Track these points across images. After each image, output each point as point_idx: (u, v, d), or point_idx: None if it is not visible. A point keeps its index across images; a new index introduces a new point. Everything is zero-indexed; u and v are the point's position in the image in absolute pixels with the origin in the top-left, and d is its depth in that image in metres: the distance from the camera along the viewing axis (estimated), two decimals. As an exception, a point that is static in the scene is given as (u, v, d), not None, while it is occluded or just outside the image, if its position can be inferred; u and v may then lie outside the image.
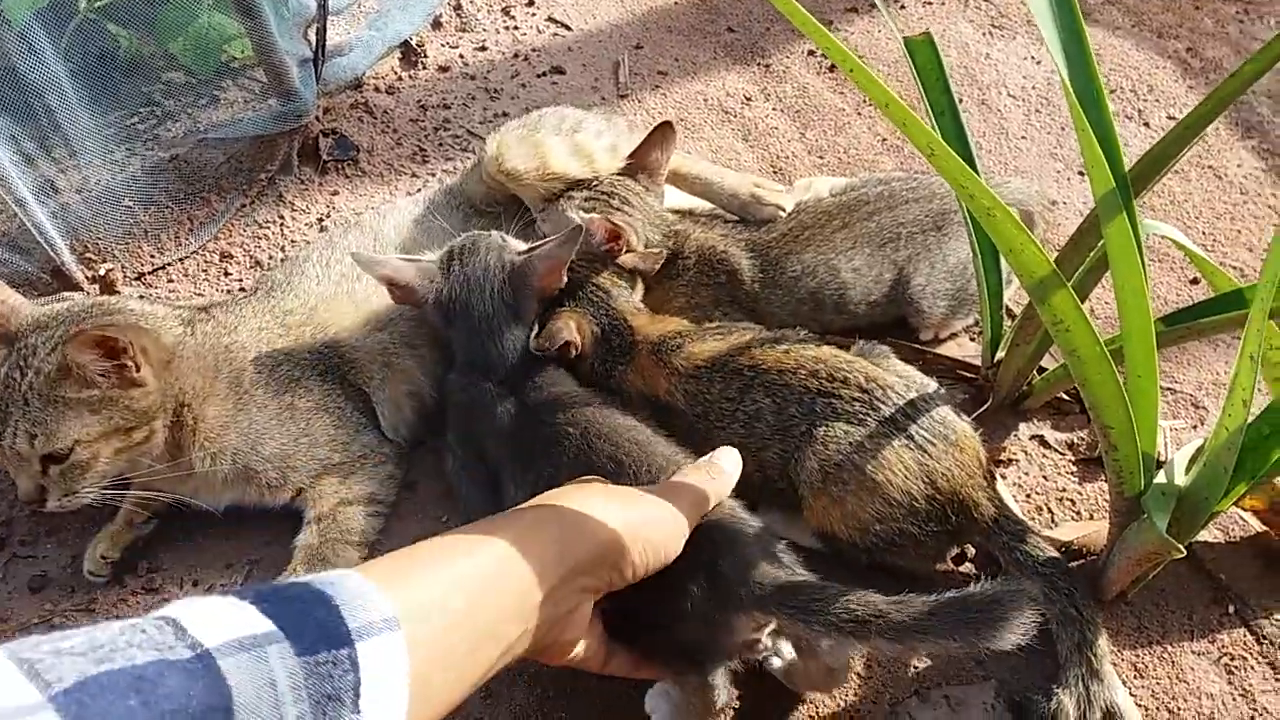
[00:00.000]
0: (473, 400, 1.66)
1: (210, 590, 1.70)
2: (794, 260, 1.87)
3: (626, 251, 1.82)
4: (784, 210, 1.93)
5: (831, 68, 2.65)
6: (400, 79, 2.56)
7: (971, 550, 1.64)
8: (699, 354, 1.69)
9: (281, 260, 2.03)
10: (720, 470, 1.40)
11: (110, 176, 2.08)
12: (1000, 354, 1.77)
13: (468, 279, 1.71)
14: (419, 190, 2.30)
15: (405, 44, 2.62)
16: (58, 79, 1.91)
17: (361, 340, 1.78)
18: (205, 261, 2.15)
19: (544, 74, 2.61)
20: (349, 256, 1.80)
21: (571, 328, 1.71)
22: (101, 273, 2.03)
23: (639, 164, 1.92)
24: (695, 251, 1.90)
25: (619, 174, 1.92)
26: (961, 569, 1.63)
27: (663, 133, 1.91)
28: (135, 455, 1.57)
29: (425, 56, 2.61)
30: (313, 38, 2.26)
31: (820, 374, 1.59)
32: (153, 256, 2.13)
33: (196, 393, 1.61)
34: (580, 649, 1.21)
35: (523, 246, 1.76)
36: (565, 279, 1.73)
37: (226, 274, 2.13)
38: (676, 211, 1.98)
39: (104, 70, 2.13)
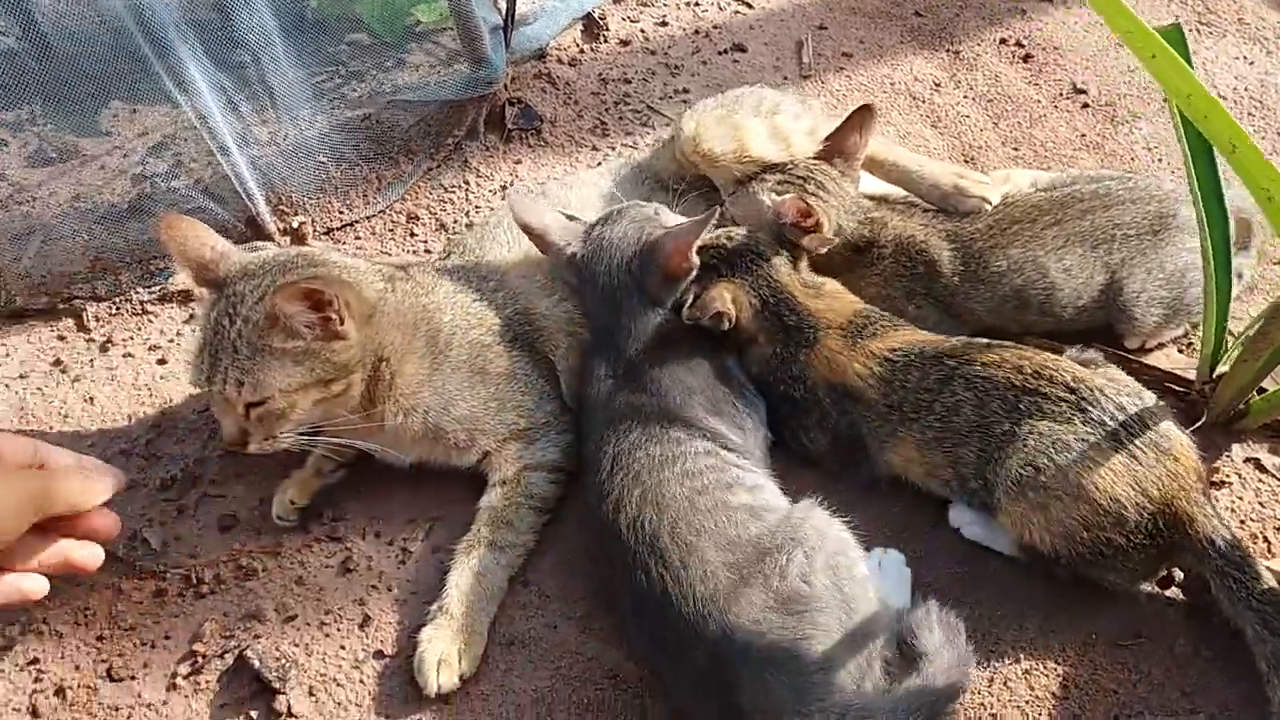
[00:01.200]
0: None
1: (392, 543, 1.72)
2: (999, 255, 1.80)
3: (815, 234, 1.78)
4: (989, 203, 1.85)
5: (1025, 58, 2.55)
6: (582, 51, 2.55)
7: (1180, 573, 1.55)
8: (896, 338, 1.64)
9: (470, 225, 2.03)
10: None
11: (305, 131, 2.12)
12: (1222, 369, 1.67)
13: (602, 244, 1.71)
14: (599, 164, 2.29)
15: (588, 16, 2.61)
16: (268, 31, 1.95)
17: (551, 310, 1.78)
18: (392, 221, 2.18)
19: (725, 51, 2.57)
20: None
21: (726, 298, 1.68)
22: (294, 225, 2.07)
23: (836, 148, 1.87)
24: (892, 240, 1.85)
25: (815, 158, 1.87)
26: (1167, 593, 1.55)
27: (862, 116, 1.85)
28: (332, 406, 1.59)
29: (607, 29, 2.60)
30: (503, 5, 2.26)
31: (1025, 369, 1.53)
32: (341, 213, 2.16)
33: (395, 349, 1.63)
34: None
35: (674, 222, 1.73)
36: (695, 262, 1.69)
37: (412, 235, 2.16)
38: (871, 198, 1.93)
39: (299, 27, 2.17)
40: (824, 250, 1.77)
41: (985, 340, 1.63)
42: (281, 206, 2.10)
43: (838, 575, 1.41)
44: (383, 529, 1.74)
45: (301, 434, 1.61)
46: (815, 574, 1.39)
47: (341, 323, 1.55)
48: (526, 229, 1.76)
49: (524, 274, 1.81)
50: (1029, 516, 1.47)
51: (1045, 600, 1.56)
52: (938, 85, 2.48)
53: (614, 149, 2.32)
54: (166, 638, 1.63)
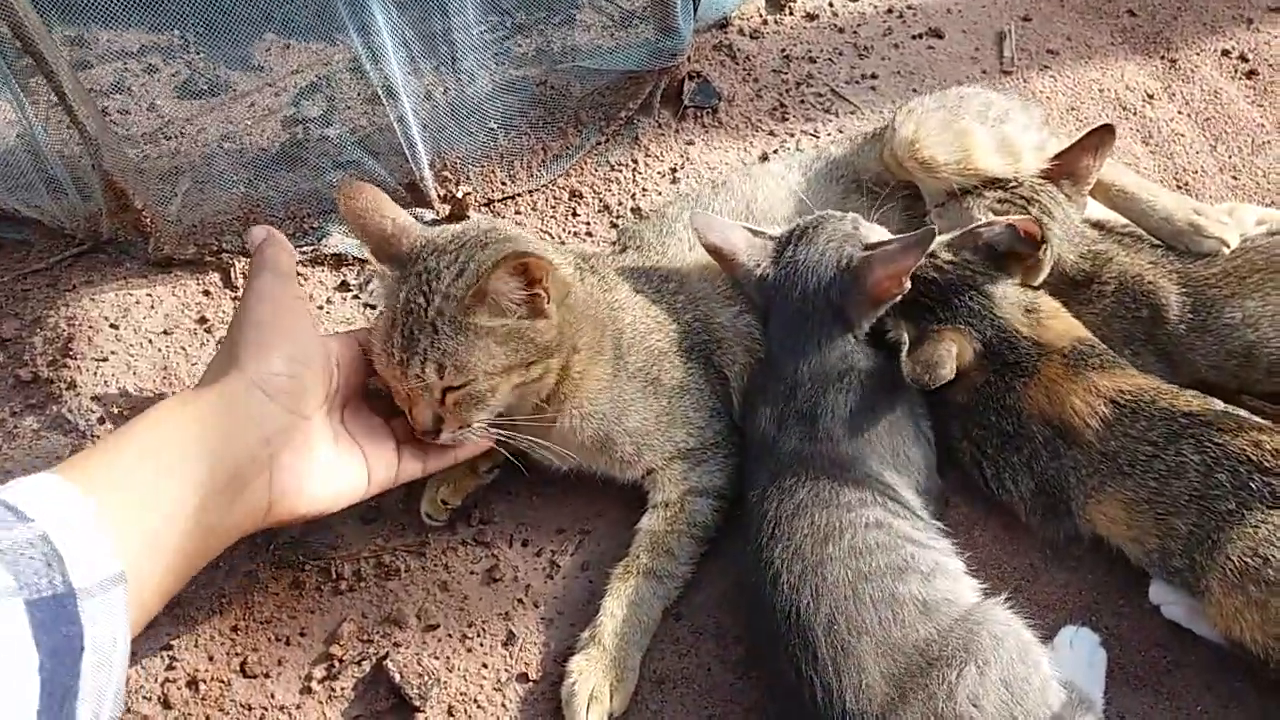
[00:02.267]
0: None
1: (540, 554, 1.61)
2: (1234, 305, 1.60)
3: (1034, 264, 1.60)
4: (1228, 245, 1.65)
5: (1250, 74, 2.29)
6: (765, 22, 2.36)
7: None
8: (1124, 379, 1.48)
9: (646, 216, 1.88)
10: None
11: (478, 88, 1.97)
12: None
13: (796, 266, 1.55)
14: (775, 150, 2.12)
15: (775, -17, 2.41)
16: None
17: (731, 321, 1.64)
18: (554, 198, 2.04)
19: (919, 35, 2.36)
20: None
21: (952, 355, 1.51)
22: (458, 194, 1.93)
23: (1065, 169, 1.68)
24: (1116, 278, 1.66)
25: (1041, 177, 1.68)
26: None
27: (1099, 138, 1.66)
28: (527, 393, 1.45)
29: (793, 0, 2.40)
30: (692, -32, 2.09)
31: (1265, 446, 1.35)
32: (504, 184, 2.03)
33: (588, 344, 1.50)
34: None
35: (876, 237, 1.57)
36: (907, 287, 1.53)
37: (574, 214, 2.01)
38: (1095, 226, 1.74)
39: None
40: (1036, 283, 1.61)
41: (1223, 405, 1.46)
42: (445, 173, 1.97)
43: (1013, 692, 1.25)
44: (531, 537, 1.63)
45: (490, 425, 1.46)
46: (987, 694, 1.23)
47: (547, 300, 1.41)
48: (714, 251, 1.62)
49: (706, 278, 1.66)
50: (1244, 612, 1.31)
51: (1259, 699, 1.40)
52: (1150, 97, 2.25)
53: (792, 135, 2.15)
54: (302, 634, 1.54)
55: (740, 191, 1.79)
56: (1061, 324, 1.57)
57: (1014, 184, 1.67)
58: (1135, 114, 2.22)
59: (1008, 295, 1.58)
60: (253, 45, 2.34)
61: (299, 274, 1.91)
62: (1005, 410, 1.53)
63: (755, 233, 1.63)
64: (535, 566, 1.60)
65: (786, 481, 1.45)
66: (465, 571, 1.60)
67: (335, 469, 1.28)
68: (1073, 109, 2.22)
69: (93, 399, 1.74)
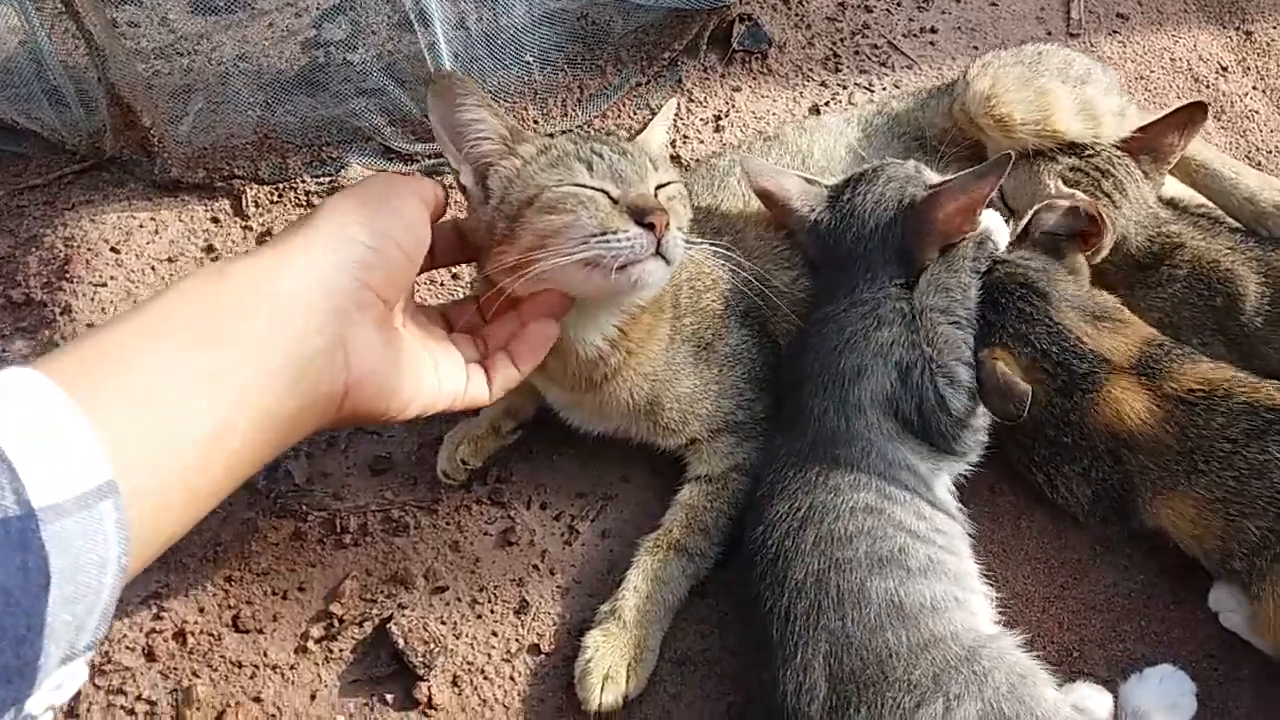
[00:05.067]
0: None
1: (559, 518, 1.51)
2: None
3: (1095, 250, 1.48)
4: (1317, 233, 1.53)
5: (1330, 50, 2.16)
6: (821, -36, 2.22)
7: None
8: (1196, 373, 1.36)
9: (690, 166, 1.75)
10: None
11: (518, 22, 1.84)
12: None
13: (854, 208, 1.44)
14: (826, 103, 1.99)
15: (833, -78, 2.26)
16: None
17: (788, 286, 1.52)
18: (588, 139, 1.91)
19: (982, -10, 2.21)
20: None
21: (1009, 373, 1.36)
22: (485, 131, 1.80)
23: (1147, 143, 1.57)
24: (1189, 262, 1.54)
25: (1119, 148, 1.56)
26: None
27: (1190, 115, 1.55)
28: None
29: (851, -58, 2.25)
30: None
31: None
32: (537, 122, 1.90)
33: (655, 301, 1.38)
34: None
35: (936, 180, 1.45)
36: (979, 224, 1.42)
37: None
38: (1168, 204, 1.61)
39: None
40: (1094, 261, 1.50)
41: None
42: (477, 107, 1.84)
43: None
44: (550, 500, 1.53)
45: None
46: None
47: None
48: (765, 196, 1.51)
49: (762, 235, 1.54)
50: None
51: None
52: (1224, 69, 2.12)
53: (845, 88, 2.02)
54: (300, 589, 1.44)
55: (794, 144, 1.66)
56: (1129, 333, 1.42)
57: (1090, 152, 1.55)
58: (1208, 86, 2.09)
59: (1068, 297, 1.43)
60: (274, -40, 2.20)
61: (313, 205, 1.79)
62: (1066, 425, 1.39)
63: (809, 181, 1.51)
64: (553, 531, 1.50)
65: (781, 454, 1.36)
66: (479, 532, 1.50)
67: (416, 365, 1.06)
68: (1142, 78, 2.08)
69: (88, 326, 1.62)
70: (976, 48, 2.11)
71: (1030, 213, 1.48)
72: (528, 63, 1.87)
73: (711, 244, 1.33)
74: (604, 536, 1.49)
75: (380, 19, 2.09)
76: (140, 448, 0.77)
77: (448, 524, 1.50)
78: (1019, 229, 1.50)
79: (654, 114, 1.88)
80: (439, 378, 1.09)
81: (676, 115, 1.93)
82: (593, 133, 1.30)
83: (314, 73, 1.97)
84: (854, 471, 1.30)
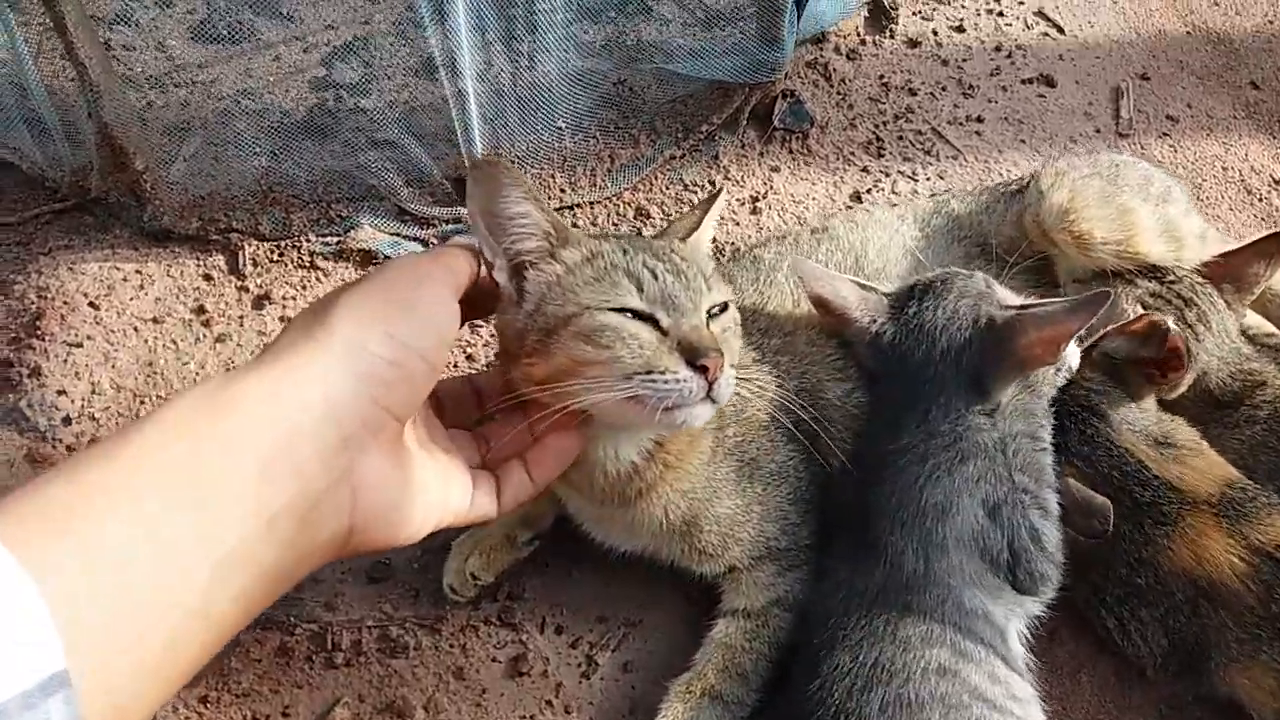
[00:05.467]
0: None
1: (575, 645, 1.36)
2: None
3: (1172, 385, 1.38)
4: (1407, 375, 1.43)
5: (1385, 169, 2.09)
6: (864, 43, 2.11)
7: None
8: None
9: (736, 255, 1.62)
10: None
11: (552, 81, 1.70)
12: None
13: (921, 325, 1.32)
14: (869, 190, 1.87)
15: (877, 1, 2.16)
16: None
17: (842, 400, 1.39)
18: (618, 214, 1.78)
19: (1030, 80, 2.12)
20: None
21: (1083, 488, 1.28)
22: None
23: (1230, 271, 1.46)
24: (1271, 403, 1.43)
25: (1201, 275, 1.45)
26: None
27: (1277, 244, 1.43)
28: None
29: (895, 22, 2.15)
30: (798, -27, 1.83)
31: None
32: (563, 191, 1.76)
33: None
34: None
35: (1015, 300, 1.34)
36: (1064, 358, 1.31)
37: (638, 233, 1.75)
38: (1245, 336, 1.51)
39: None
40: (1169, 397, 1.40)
41: None
42: (500, 170, 1.69)
43: None
44: (567, 624, 1.38)
45: None
46: None
47: None
48: (821, 304, 1.38)
49: (814, 340, 1.41)
50: None
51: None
52: (1277, 183, 2.03)
53: (888, 175, 1.90)
54: (285, 715, 1.27)
55: (847, 241, 1.54)
56: (1204, 463, 1.33)
57: (1171, 277, 1.45)
58: (1261, 200, 2.00)
59: (1130, 420, 1.35)
60: (284, -11, 2.05)
61: (318, 267, 1.63)
62: (1139, 564, 1.29)
63: (864, 287, 1.39)
64: (569, 661, 1.35)
65: (842, 597, 1.23)
66: (486, 658, 1.34)
67: (425, 485, 0.94)
68: (1195, 186, 1.99)
69: (58, 392, 1.45)
70: (1024, 141, 2.01)
71: (1100, 334, 1.37)
72: (559, 127, 1.73)
73: (761, 381, 1.21)
74: (626, 670, 1.35)
75: (396, 62, 1.95)
76: (101, 627, 0.64)
77: (452, 646, 1.34)
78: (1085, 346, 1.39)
79: (687, 189, 1.77)
80: (445, 493, 0.96)
81: (710, 190, 1.80)
82: (642, 242, 1.15)
83: (322, 117, 1.82)
84: (927, 622, 1.18)
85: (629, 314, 1.05)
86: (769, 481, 1.32)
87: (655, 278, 1.08)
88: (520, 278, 1.08)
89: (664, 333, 1.06)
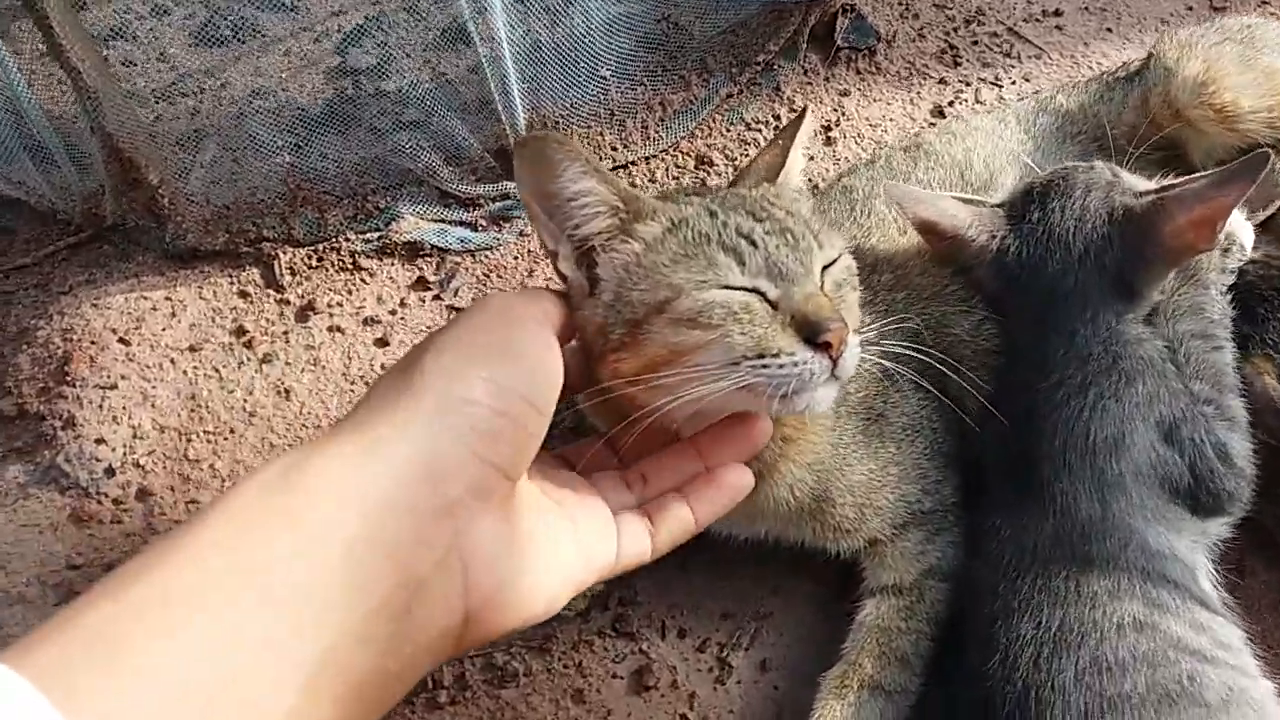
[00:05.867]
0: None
1: (703, 649, 1.20)
2: None
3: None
4: None
5: None
6: (924, -56, 1.91)
7: None
8: None
9: (825, 188, 1.44)
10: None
11: (593, 29, 1.53)
12: None
13: (1049, 230, 1.15)
14: (950, 103, 1.68)
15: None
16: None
17: (972, 333, 1.21)
18: (677, 166, 1.60)
19: (1113, -37, 1.91)
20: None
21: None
22: (558, 164, 1.50)
23: None
24: None
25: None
26: None
27: None
28: None
29: (950, -82, 1.95)
30: None
31: None
32: (614, 150, 1.59)
33: None
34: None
35: (1147, 185, 1.16)
36: (1221, 239, 1.12)
37: (703, 184, 1.58)
38: None
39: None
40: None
41: None
42: (541, 132, 1.53)
43: None
44: (690, 626, 1.22)
45: None
46: None
47: None
48: (928, 228, 1.20)
49: (929, 271, 1.23)
50: None
51: None
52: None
53: (968, 84, 1.71)
54: (392, 768, 1.12)
55: (947, 156, 1.35)
56: None
57: None
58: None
59: None
60: (283, -21, 1.91)
61: (361, 268, 1.47)
62: None
63: (968, 201, 1.21)
64: (699, 667, 1.19)
65: (1009, 558, 1.05)
66: (606, 674, 1.19)
67: (555, 547, 0.80)
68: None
69: (97, 442, 1.31)
70: (1110, 29, 1.82)
71: (1277, 205, 1.18)
72: (603, 78, 1.56)
73: (892, 341, 1.01)
74: (764, 670, 1.19)
75: (414, 38, 1.79)
76: None
77: (566, 667, 1.19)
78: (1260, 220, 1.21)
79: (750, 128, 1.59)
80: (580, 548, 0.80)
81: (778, 128, 1.62)
82: (732, 197, 0.96)
83: (343, 106, 1.67)
84: (1112, 573, 1.01)
85: (731, 290, 0.88)
86: (902, 437, 1.15)
87: (756, 246, 0.90)
88: (590, 264, 0.91)
89: (773, 305, 0.88)
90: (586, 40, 1.52)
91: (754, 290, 0.88)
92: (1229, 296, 1.17)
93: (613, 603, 1.23)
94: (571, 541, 0.80)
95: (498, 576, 0.71)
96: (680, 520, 0.86)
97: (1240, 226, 1.18)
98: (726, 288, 0.87)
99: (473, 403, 0.70)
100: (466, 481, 0.69)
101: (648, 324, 0.86)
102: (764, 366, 0.84)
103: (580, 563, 0.80)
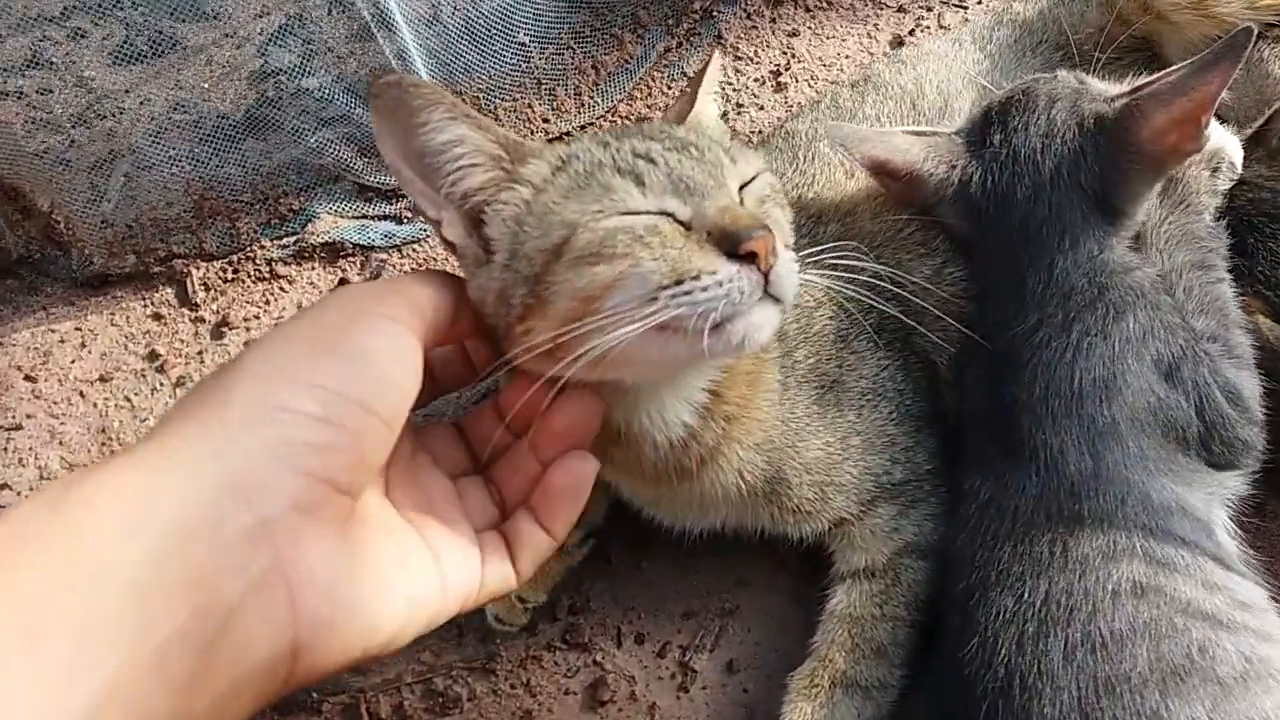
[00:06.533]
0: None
1: (663, 653, 1.08)
2: None
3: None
4: None
5: None
6: None
7: None
8: None
9: (767, 139, 1.31)
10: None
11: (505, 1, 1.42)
12: None
13: (1014, 152, 1.01)
14: (911, 32, 1.54)
15: None
16: None
17: (933, 277, 1.09)
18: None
19: None
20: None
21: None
22: (482, 142, 1.38)
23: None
24: None
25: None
26: None
27: None
28: None
29: None
30: None
31: None
32: (546, 120, 1.48)
33: None
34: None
35: (1119, 89, 1.02)
36: (1207, 137, 0.97)
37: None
38: None
39: None
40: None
41: None
42: (465, 113, 1.42)
43: None
44: (647, 630, 1.12)
45: None
46: None
47: None
48: (879, 168, 1.08)
49: (881, 214, 1.10)
50: None
51: None
52: None
53: (930, 9, 1.56)
54: (327, 814, 1.02)
55: (896, 87, 1.22)
56: None
57: None
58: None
59: None
60: (206, -13, 1.82)
61: (279, 276, 1.38)
62: None
63: (922, 133, 1.07)
64: (659, 674, 1.09)
65: (988, 524, 0.94)
66: (558, 691, 1.09)
67: (409, 568, 0.70)
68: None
69: (1, 487, 1.23)
70: (1086, -70, 1.65)
71: (1270, 112, 1.04)
72: (523, 43, 1.44)
73: (835, 249, 0.87)
74: (730, 671, 1.08)
75: (338, 31, 1.68)
76: None
77: (513, 687, 1.09)
78: (1249, 136, 1.06)
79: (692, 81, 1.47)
80: (438, 575, 0.70)
81: (724, 78, 1.49)
82: (626, 128, 0.85)
83: (264, 109, 1.57)
84: (1108, 531, 0.89)
85: (633, 215, 0.76)
86: (863, 403, 1.03)
87: (655, 162, 0.79)
88: (479, 224, 0.80)
89: (686, 226, 0.76)
90: (492, 5, 1.40)
91: (660, 212, 0.76)
92: (1221, 222, 1.03)
93: (561, 611, 1.12)
94: (428, 567, 0.70)
95: (333, 602, 0.62)
96: (536, 543, 0.76)
97: (1228, 141, 1.04)
98: (628, 213, 0.76)
99: (290, 411, 0.61)
100: (287, 498, 0.60)
101: (548, 275, 0.75)
102: (685, 293, 0.72)
103: (436, 592, 0.70)
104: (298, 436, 0.61)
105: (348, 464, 0.63)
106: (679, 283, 0.72)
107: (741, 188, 0.82)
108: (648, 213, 0.76)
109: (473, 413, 0.84)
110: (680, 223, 0.76)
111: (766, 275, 0.73)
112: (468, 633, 1.12)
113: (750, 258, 0.73)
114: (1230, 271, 1.02)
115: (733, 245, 0.73)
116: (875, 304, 0.96)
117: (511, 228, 0.78)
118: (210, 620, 0.56)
